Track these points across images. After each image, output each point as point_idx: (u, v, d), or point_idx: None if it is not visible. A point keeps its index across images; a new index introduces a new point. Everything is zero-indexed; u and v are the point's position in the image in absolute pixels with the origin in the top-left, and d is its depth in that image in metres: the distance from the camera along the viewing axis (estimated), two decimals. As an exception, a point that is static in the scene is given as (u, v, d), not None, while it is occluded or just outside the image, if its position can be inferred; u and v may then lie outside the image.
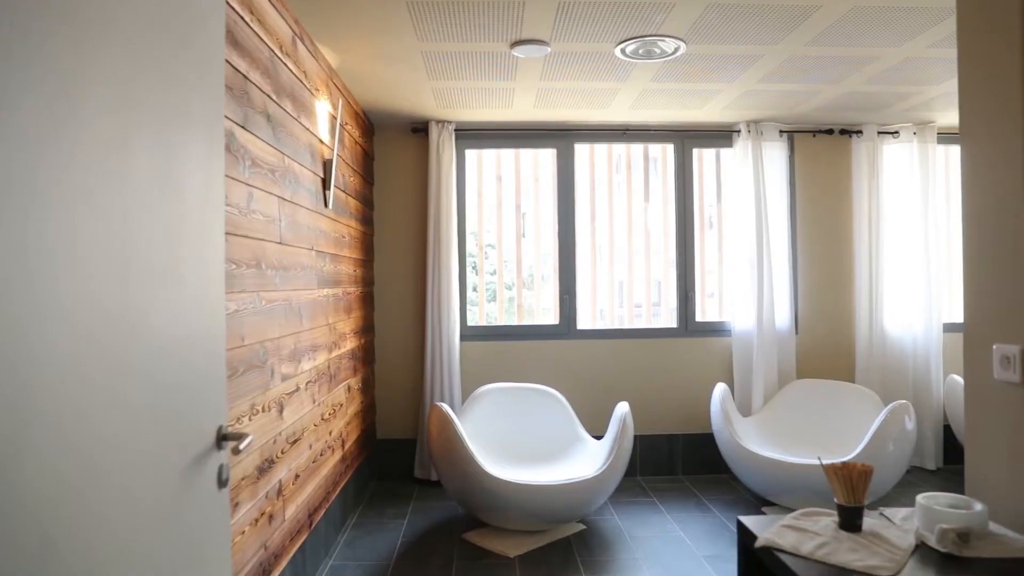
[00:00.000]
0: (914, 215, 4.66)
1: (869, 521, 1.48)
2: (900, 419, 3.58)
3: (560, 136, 4.72)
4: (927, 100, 4.13)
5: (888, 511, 1.58)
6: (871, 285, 4.67)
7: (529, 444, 4.07)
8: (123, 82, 1.03)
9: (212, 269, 1.35)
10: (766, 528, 1.51)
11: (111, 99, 0.99)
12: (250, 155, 2.26)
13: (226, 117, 2.05)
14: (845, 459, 3.54)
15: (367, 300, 4.40)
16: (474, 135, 4.68)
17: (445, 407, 3.52)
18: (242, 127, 2.19)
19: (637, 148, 4.85)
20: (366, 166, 4.39)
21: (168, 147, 1.16)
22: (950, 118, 4.56)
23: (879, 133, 4.71)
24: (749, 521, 1.54)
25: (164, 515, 1.15)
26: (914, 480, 4.41)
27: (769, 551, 1.39)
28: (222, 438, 1.34)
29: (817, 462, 3.60)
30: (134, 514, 1.06)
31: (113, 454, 1.00)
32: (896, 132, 4.70)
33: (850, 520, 1.44)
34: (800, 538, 1.40)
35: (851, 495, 1.43)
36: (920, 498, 1.45)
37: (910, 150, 4.69)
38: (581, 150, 4.80)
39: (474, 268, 4.82)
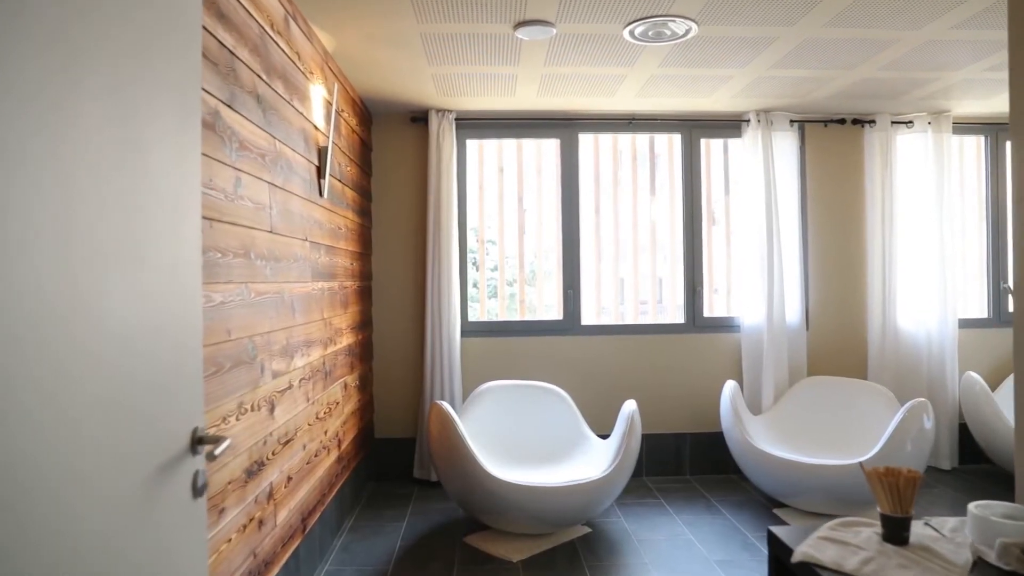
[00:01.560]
0: (928, 207, 4.51)
1: (916, 532, 1.34)
2: (918, 418, 3.44)
3: (564, 126, 4.57)
4: (945, 88, 3.98)
5: (935, 521, 1.44)
6: (884, 279, 4.53)
7: (532, 443, 3.92)
8: (67, 20, 0.88)
9: (186, 252, 1.20)
10: (800, 540, 1.37)
11: (49, 32, 0.85)
12: (238, 137, 2.12)
13: (210, 94, 1.91)
14: (862, 459, 3.40)
15: (365, 294, 4.26)
16: (475, 125, 4.53)
17: (445, 405, 3.38)
18: (228, 106, 2.04)
19: (643, 140, 4.70)
20: (364, 156, 4.24)
21: (127, 104, 1.02)
22: (966, 107, 4.42)
23: (892, 123, 4.56)
24: (781, 532, 1.40)
25: (125, 530, 1.00)
26: (930, 481, 4.27)
27: (807, 567, 1.25)
28: (197, 441, 1.20)
29: (831, 463, 3.46)
30: (85, 531, 0.92)
31: (55, 459, 0.85)
32: (910, 122, 4.56)
33: (896, 532, 1.30)
34: (842, 552, 1.26)
35: (897, 504, 1.29)
36: (973, 508, 1.31)
37: (924, 140, 4.54)
38: (585, 141, 4.66)
39: (475, 264, 4.68)
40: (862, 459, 3.41)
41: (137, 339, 1.03)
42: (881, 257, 4.53)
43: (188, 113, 1.23)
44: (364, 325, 4.22)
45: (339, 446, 3.50)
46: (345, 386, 3.66)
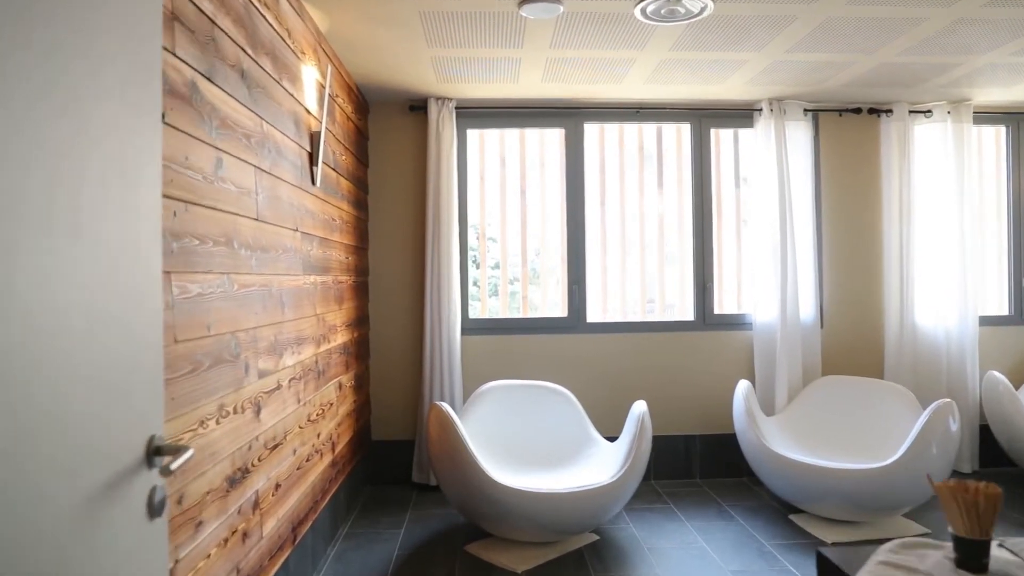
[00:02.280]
0: (948, 200, 4.33)
1: (992, 556, 1.16)
2: (944, 420, 3.26)
3: (568, 115, 4.38)
4: (967, 73, 3.80)
5: (1011, 542, 1.25)
6: (902, 275, 4.34)
7: (537, 446, 3.74)
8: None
9: (142, 229, 1.02)
10: (853, 563, 1.19)
11: None
12: (219, 114, 1.94)
13: (186, 63, 1.72)
14: (885, 463, 3.22)
15: (361, 290, 4.07)
16: (476, 113, 4.35)
17: (445, 406, 3.20)
18: (207, 79, 1.86)
19: (650, 130, 4.51)
20: (360, 146, 4.06)
21: (63, 46, 0.83)
22: (988, 95, 4.24)
23: (910, 112, 4.38)
24: (833, 554, 1.22)
25: (64, 559, 0.82)
26: (951, 485, 4.08)
27: (869, 598, 1.07)
28: (154, 452, 1.02)
29: (853, 467, 3.28)
30: (13, 559, 0.73)
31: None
32: (929, 111, 4.37)
33: (974, 557, 1.12)
34: (909, 580, 1.08)
35: (975, 525, 1.11)
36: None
37: (944, 130, 4.36)
38: (591, 131, 4.47)
39: (475, 262, 4.50)
40: (886, 463, 3.23)
41: (73, 328, 0.85)
42: (899, 252, 4.35)
43: (145, 67, 1.05)
44: (360, 322, 4.04)
45: (333, 449, 3.32)
46: (340, 386, 3.48)
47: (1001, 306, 4.62)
